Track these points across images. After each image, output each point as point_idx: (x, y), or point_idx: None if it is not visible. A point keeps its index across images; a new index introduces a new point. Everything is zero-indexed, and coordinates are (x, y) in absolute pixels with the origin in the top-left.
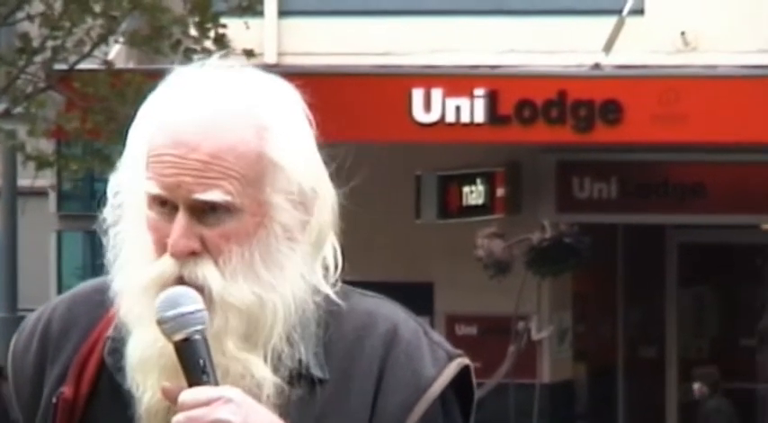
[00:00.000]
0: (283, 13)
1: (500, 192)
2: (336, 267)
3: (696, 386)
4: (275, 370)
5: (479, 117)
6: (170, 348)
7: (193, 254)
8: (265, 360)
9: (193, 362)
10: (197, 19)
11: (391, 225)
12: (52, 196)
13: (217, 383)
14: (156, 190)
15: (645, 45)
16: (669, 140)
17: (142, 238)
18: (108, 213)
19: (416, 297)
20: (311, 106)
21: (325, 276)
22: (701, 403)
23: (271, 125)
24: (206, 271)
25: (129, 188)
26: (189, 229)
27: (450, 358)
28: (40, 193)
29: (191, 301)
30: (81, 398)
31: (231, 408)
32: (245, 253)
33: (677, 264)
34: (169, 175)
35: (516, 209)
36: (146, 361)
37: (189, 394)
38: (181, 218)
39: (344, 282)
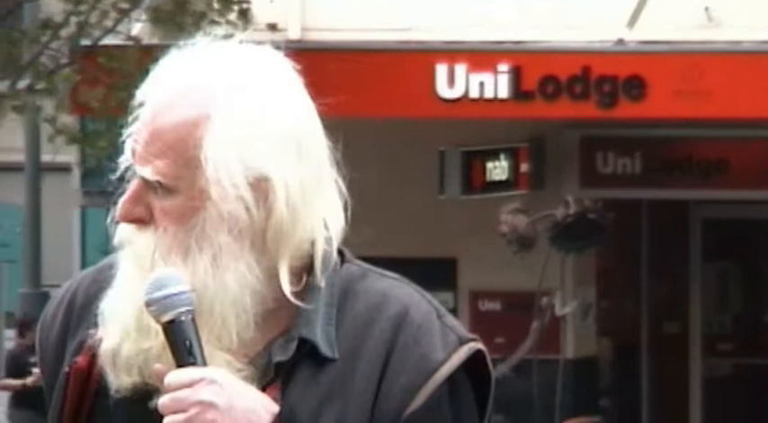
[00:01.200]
0: None
1: (524, 167)
2: (332, 255)
3: None
4: (238, 352)
5: (503, 93)
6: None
7: (140, 221)
8: (229, 350)
9: (180, 343)
10: None
11: (415, 200)
12: (76, 172)
13: (204, 365)
14: (129, 159)
15: (669, 21)
16: (693, 116)
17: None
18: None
19: (440, 273)
20: (329, 82)
21: (311, 265)
22: None
23: (218, 115)
24: (145, 239)
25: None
26: (138, 196)
27: (462, 342)
28: (64, 169)
29: (177, 282)
30: (96, 368)
31: (214, 388)
32: (180, 232)
33: (701, 239)
34: (131, 145)
35: (540, 184)
36: (116, 314)
37: (173, 376)
38: (133, 184)
39: (366, 259)
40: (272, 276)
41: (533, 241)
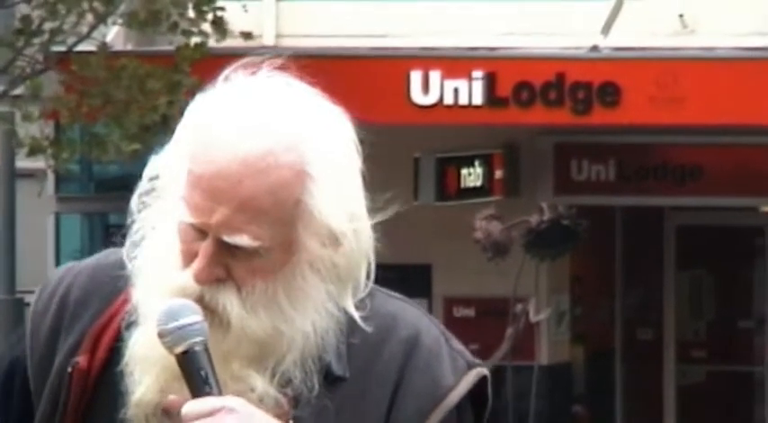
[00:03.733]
0: None
1: (498, 174)
2: (369, 281)
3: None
4: (280, 388)
5: (477, 99)
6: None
7: (218, 280)
8: (271, 380)
9: (195, 373)
10: (193, 1)
11: (389, 207)
12: (51, 179)
13: (220, 394)
14: (188, 218)
15: (643, 27)
16: (667, 123)
17: (172, 236)
18: (142, 193)
19: (414, 279)
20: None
21: (356, 290)
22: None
23: (314, 170)
24: (227, 299)
25: (169, 179)
26: (215, 258)
27: (470, 367)
28: (37, 176)
29: (190, 312)
30: (95, 368)
31: (234, 418)
32: (269, 288)
33: (675, 246)
34: (202, 206)
35: (514, 191)
36: (146, 359)
37: (192, 405)
38: (208, 246)
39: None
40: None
41: (508, 248)
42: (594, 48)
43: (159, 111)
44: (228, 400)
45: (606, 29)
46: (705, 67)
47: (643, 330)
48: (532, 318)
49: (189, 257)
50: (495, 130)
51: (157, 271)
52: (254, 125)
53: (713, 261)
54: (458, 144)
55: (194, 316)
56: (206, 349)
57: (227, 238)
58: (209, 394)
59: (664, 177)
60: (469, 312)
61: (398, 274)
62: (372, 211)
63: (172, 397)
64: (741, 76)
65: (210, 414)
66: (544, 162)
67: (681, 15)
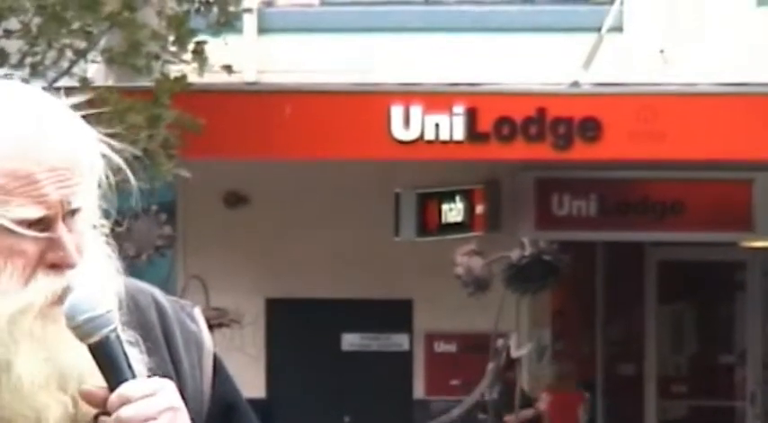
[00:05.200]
0: (263, 30)
1: (479, 209)
2: None
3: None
4: None
5: (458, 134)
6: (62, 358)
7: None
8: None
9: (117, 359)
10: (173, 36)
11: (370, 242)
12: None
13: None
14: (37, 212)
15: (624, 62)
16: (647, 158)
17: None
18: None
19: (395, 314)
20: (284, 123)
21: None
22: None
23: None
24: (78, 272)
25: None
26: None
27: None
28: None
29: (99, 302)
30: None
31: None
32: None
33: (656, 281)
34: (43, 193)
35: (495, 226)
36: (46, 379)
37: (133, 387)
38: (62, 227)
39: (323, 301)
40: None
41: (489, 283)
42: (575, 83)
43: (140, 145)
44: (160, 380)
45: (587, 64)
46: (685, 102)
47: (624, 365)
48: (513, 353)
49: (33, 266)
50: (477, 166)
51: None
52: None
53: (694, 296)
54: (439, 179)
55: (104, 306)
56: (118, 336)
57: (73, 205)
58: (132, 378)
59: (644, 212)
60: (451, 348)
61: (380, 309)
62: (354, 245)
63: (86, 387)
64: (721, 111)
65: (154, 393)
66: (525, 197)
67: (661, 51)
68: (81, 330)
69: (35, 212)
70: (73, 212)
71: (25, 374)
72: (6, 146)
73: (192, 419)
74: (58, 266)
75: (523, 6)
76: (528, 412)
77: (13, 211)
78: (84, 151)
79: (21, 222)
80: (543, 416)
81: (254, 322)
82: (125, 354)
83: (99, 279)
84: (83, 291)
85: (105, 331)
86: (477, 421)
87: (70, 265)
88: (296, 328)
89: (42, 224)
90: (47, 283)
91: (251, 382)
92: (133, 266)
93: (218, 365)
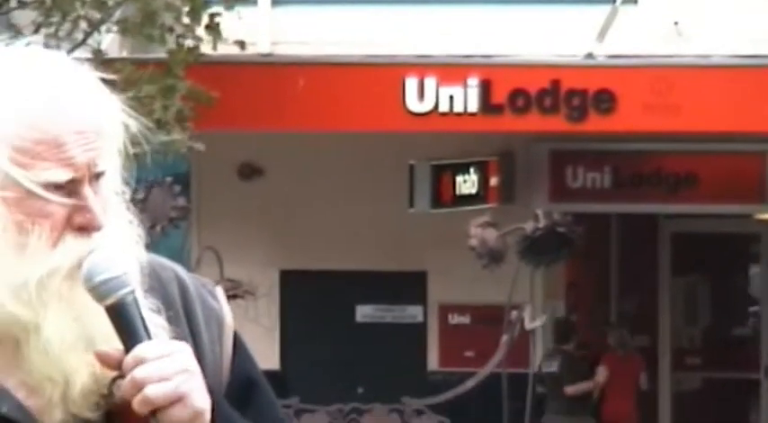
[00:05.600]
0: (276, 2)
1: (493, 181)
2: None
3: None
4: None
5: (473, 106)
6: (89, 320)
7: None
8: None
9: (134, 321)
10: (188, 6)
11: (384, 214)
12: None
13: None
14: (63, 175)
15: (638, 34)
16: (662, 130)
17: (14, 232)
18: None
19: (409, 286)
20: (299, 96)
21: None
22: None
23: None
24: (103, 236)
25: None
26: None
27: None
28: None
29: (116, 264)
30: None
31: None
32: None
33: (670, 253)
34: (68, 156)
35: (509, 198)
36: (75, 341)
37: (149, 348)
38: (88, 190)
39: (337, 272)
40: None
41: (503, 255)
42: (590, 55)
43: (154, 115)
44: (177, 342)
45: (601, 36)
46: (700, 74)
47: (638, 337)
48: (527, 325)
49: (60, 230)
50: (491, 137)
51: (34, 263)
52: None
53: (708, 268)
54: (453, 151)
55: (122, 267)
56: (135, 299)
57: (99, 168)
58: (150, 339)
59: (658, 185)
60: (465, 320)
61: (394, 280)
62: (368, 217)
63: (103, 349)
64: (736, 83)
65: (170, 354)
66: (539, 169)
67: (676, 23)
68: (97, 292)
69: (63, 175)
70: (98, 176)
71: (55, 337)
72: (33, 110)
73: (211, 388)
74: (85, 229)
75: None
76: (587, 384)
77: (41, 175)
78: (107, 116)
79: (48, 185)
80: (601, 387)
81: (268, 294)
82: (142, 317)
83: (122, 243)
84: (100, 253)
85: (121, 293)
86: (497, 393)
87: (97, 228)
88: (310, 300)
89: (69, 187)
90: (74, 246)
91: (265, 354)
92: (148, 238)
93: (238, 342)
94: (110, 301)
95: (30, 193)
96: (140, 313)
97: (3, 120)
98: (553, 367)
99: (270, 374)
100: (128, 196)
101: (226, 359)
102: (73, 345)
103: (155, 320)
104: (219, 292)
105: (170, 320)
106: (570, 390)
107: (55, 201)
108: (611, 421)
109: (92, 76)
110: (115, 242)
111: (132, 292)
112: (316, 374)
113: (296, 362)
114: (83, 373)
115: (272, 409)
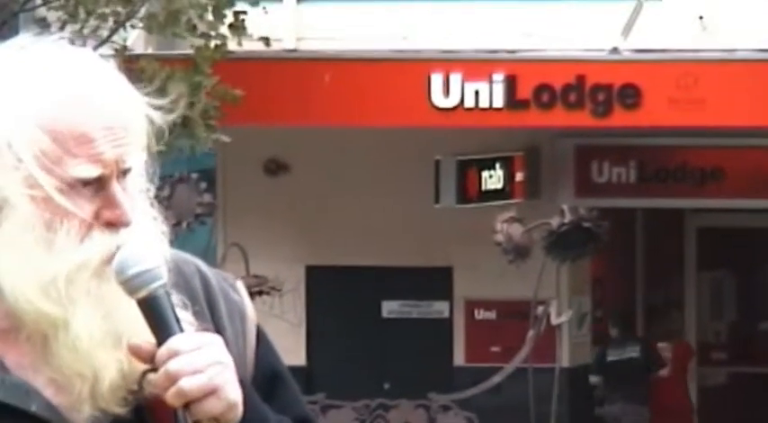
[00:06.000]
0: None
1: (519, 176)
2: None
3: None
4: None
5: (498, 101)
6: (118, 316)
7: None
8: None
9: (165, 314)
10: (213, 4)
11: (411, 209)
12: None
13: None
14: (92, 171)
15: (663, 29)
16: (687, 125)
17: (42, 229)
18: None
19: (436, 281)
20: (325, 91)
21: None
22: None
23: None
24: (131, 232)
25: (15, 188)
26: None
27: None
28: None
29: (148, 257)
30: None
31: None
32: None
33: (696, 248)
34: (95, 152)
35: (535, 193)
36: (103, 337)
37: (182, 340)
38: (116, 186)
39: (363, 268)
40: None
41: (529, 250)
42: (615, 50)
43: (180, 112)
44: (210, 335)
45: (626, 31)
46: (725, 68)
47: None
48: (554, 320)
49: (88, 224)
50: (516, 133)
51: (66, 257)
52: (101, 75)
53: (734, 263)
54: (478, 146)
55: (154, 261)
56: (167, 292)
57: (128, 164)
58: (181, 332)
59: (684, 179)
60: (491, 315)
61: (420, 276)
62: (394, 212)
63: (135, 341)
64: (761, 77)
65: (201, 347)
66: (565, 164)
67: (701, 17)
68: (130, 285)
69: (92, 171)
70: (125, 172)
71: (83, 333)
72: (62, 106)
73: (241, 379)
74: (113, 225)
75: None
76: (664, 371)
77: (70, 170)
78: (134, 112)
79: (78, 181)
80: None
81: (294, 290)
82: (173, 310)
83: (148, 239)
84: (132, 247)
85: (154, 286)
86: (524, 388)
87: (125, 224)
88: (336, 296)
89: (98, 182)
90: (102, 241)
91: (291, 350)
92: (173, 234)
93: (261, 336)
94: (142, 294)
95: (58, 188)
96: (172, 306)
97: (31, 117)
98: (624, 355)
99: (296, 370)
100: (152, 193)
101: (250, 353)
102: (101, 341)
103: (182, 316)
104: (240, 285)
105: (196, 315)
106: (655, 376)
107: (84, 195)
108: (667, 409)
109: (117, 72)
110: (143, 237)
111: (164, 285)
112: (342, 370)
113: (322, 358)
114: (111, 368)
115: (297, 402)
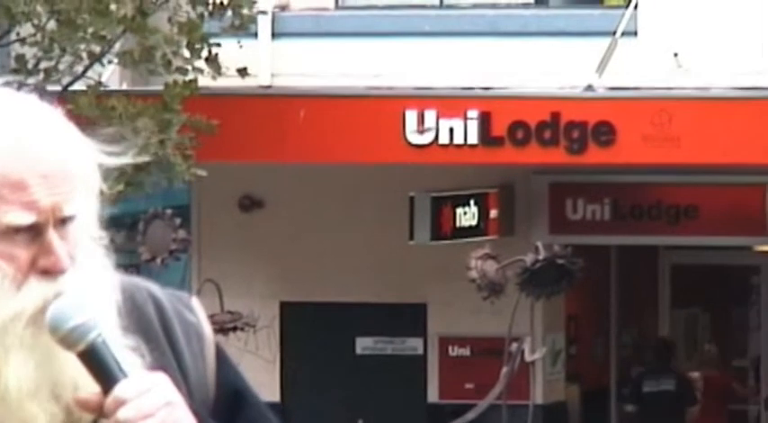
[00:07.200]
0: (277, 34)
1: (493, 213)
2: None
3: None
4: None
5: (473, 138)
6: (54, 366)
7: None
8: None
9: (107, 363)
10: (186, 40)
11: (385, 246)
12: None
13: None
14: (26, 219)
15: (638, 66)
16: (662, 162)
17: None
18: None
19: (410, 318)
20: (299, 127)
21: None
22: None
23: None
24: (70, 280)
25: None
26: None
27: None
28: None
29: (83, 308)
30: None
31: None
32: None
33: (670, 285)
34: (32, 200)
35: (509, 230)
36: (35, 388)
37: (127, 387)
38: (52, 234)
39: (337, 304)
40: None
41: (503, 287)
42: (589, 87)
43: (150, 150)
44: (154, 376)
45: (601, 68)
46: (700, 106)
47: (638, 369)
48: (527, 357)
49: (25, 272)
50: (491, 170)
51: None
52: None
53: (708, 300)
54: (453, 183)
55: (88, 312)
56: (104, 340)
57: (66, 213)
58: (125, 378)
59: (659, 216)
60: (465, 351)
61: (394, 312)
62: (368, 249)
63: (81, 395)
64: (736, 115)
65: (148, 390)
66: (539, 201)
67: (675, 54)
68: (66, 340)
69: (26, 218)
70: (64, 220)
71: (13, 384)
72: (14, 148)
73: (198, 409)
74: (49, 272)
75: (537, 10)
76: (697, 407)
77: (2, 217)
78: (77, 160)
79: (11, 228)
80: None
81: (268, 326)
82: (114, 356)
83: (89, 287)
84: (65, 300)
85: (90, 338)
86: None
87: (61, 271)
88: (310, 332)
89: (34, 230)
90: (39, 289)
91: (265, 386)
92: (148, 270)
93: (220, 355)
94: (80, 347)
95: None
96: (112, 353)
97: None
98: (660, 387)
99: (270, 407)
100: (106, 241)
101: (210, 374)
102: (33, 392)
103: (128, 343)
104: (196, 304)
105: (150, 347)
106: (691, 410)
107: (19, 242)
108: None
109: (62, 118)
110: (82, 285)
111: (100, 334)
112: (316, 406)
113: (296, 394)
114: (41, 421)
115: (264, 419)
